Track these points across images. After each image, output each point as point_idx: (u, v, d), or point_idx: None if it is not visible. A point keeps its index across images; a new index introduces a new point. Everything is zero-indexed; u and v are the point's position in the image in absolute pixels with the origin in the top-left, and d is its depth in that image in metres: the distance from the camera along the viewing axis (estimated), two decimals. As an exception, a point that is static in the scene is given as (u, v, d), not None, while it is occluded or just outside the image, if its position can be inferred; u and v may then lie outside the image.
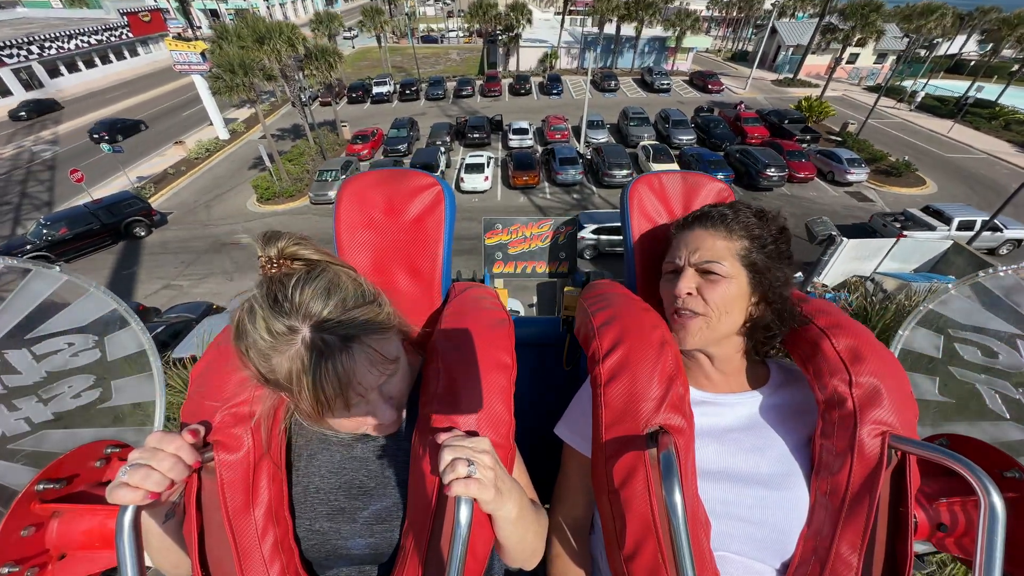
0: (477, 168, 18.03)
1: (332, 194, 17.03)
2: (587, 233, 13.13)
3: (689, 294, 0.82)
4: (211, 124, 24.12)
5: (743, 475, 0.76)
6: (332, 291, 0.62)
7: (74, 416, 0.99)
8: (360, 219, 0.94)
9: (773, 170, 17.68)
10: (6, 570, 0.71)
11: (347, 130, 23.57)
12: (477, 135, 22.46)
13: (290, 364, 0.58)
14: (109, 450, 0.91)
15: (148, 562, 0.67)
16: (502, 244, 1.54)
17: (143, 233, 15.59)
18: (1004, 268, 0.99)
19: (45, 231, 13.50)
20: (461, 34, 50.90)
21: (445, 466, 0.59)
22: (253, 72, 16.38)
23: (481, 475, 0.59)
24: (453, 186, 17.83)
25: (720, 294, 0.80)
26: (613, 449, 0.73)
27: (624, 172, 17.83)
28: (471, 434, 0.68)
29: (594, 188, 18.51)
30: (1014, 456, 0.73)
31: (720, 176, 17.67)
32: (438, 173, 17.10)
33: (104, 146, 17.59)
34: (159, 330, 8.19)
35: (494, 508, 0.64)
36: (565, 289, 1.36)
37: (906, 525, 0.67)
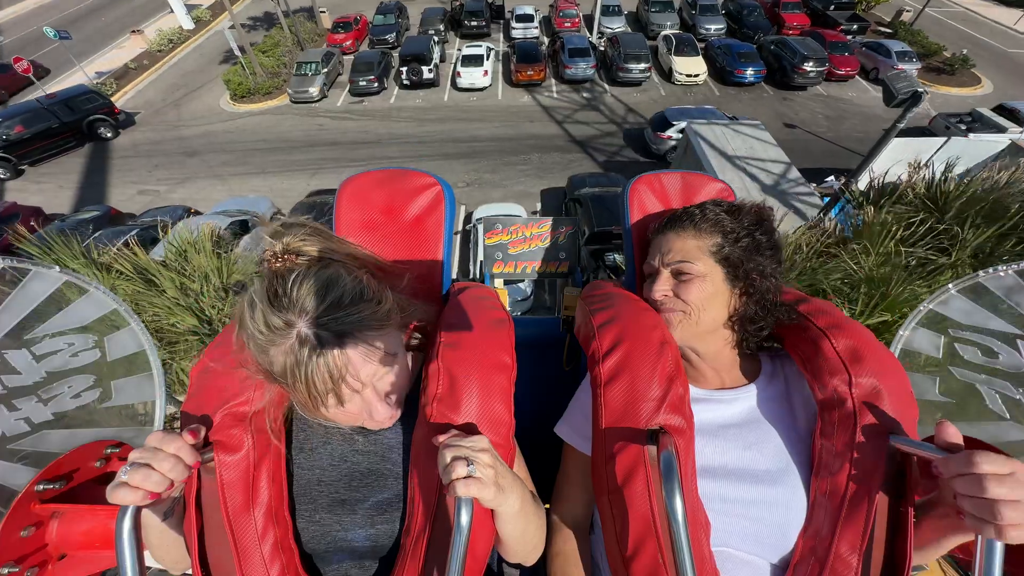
0: (475, 60, 15.84)
1: (313, 91, 15.41)
2: (674, 132, 11.60)
3: (665, 295, 0.84)
4: (171, 12, 20.90)
5: (741, 472, 0.76)
6: (330, 288, 0.63)
7: (74, 416, 1.00)
8: (360, 219, 0.94)
9: (811, 64, 14.99)
10: (6, 570, 0.71)
11: (326, 17, 20.52)
12: (475, 23, 19.32)
13: (284, 358, 0.59)
14: (109, 450, 0.91)
15: (148, 562, 0.67)
16: (502, 244, 1.54)
17: (109, 134, 14.07)
18: (1004, 268, 0.99)
19: (-2, 129, 11.99)
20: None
21: (445, 466, 0.59)
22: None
23: (481, 474, 0.59)
24: (448, 82, 16.51)
25: (695, 293, 0.81)
26: (613, 449, 0.73)
27: (642, 67, 15.64)
28: (470, 431, 0.68)
29: (606, 86, 16.36)
30: (1014, 456, 0.73)
31: (750, 71, 15.44)
32: (431, 65, 15.76)
33: (47, 30, 15.12)
34: (132, 233, 7.93)
35: (496, 504, 0.65)
36: (565, 289, 1.36)
37: (906, 525, 0.67)
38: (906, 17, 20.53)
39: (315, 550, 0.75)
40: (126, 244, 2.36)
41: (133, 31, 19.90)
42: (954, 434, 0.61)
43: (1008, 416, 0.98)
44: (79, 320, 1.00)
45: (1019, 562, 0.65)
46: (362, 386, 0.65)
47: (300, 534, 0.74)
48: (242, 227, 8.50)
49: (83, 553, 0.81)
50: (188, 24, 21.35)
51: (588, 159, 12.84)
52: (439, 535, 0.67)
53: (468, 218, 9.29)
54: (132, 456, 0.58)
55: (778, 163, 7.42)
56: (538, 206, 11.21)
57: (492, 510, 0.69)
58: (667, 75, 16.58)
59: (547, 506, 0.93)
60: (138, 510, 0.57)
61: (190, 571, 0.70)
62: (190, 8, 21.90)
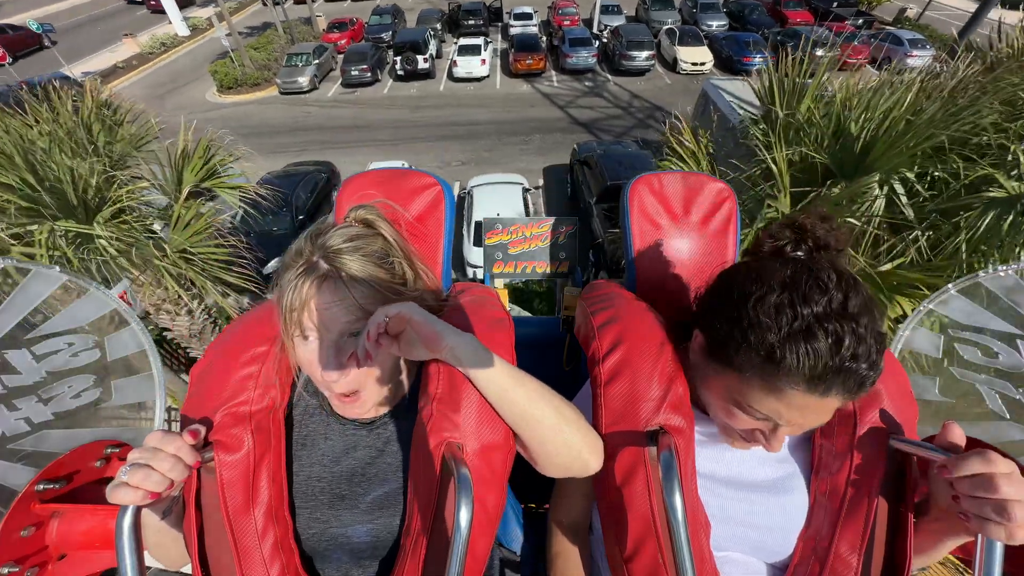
0: (472, 50, 15.51)
1: (303, 80, 14.86)
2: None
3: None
4: (170, 23, 21.31)
5: (743, 481, 0.76)
6: (355, 240, 0.68)
7: (74, 416, 1.00)
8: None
9: (822, 51, 15.05)
10: (6, 570, 0.71)
11: (323, 20, 20.74)
12: (472, 22, 19.26)
13: (288, 275, 0.65)
14: (109, 450, 0.91)
15: (148, 561, 0.67)
16: (502, 244, 1.54)
17: None
18: (1004, 268, 0.99)
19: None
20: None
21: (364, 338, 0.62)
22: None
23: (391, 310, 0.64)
24: (444, 74, 16.02)
25: (798, 433, 0.67)
26: (613, 449, 0.73)
27: (645, 54, 15.38)
28: (467, 432, 0.68)
29: (609, 76, 16.08)
30: (1014, 456, 0.73)
31: (758, 58, 14.91)
32: (427, 55, 15.27)
33: (31, 22, 15.14)
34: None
35: (441, 333, 0.66)
36: (565, 289, 1.36)
37: (906, 525, 0.67)
38: (910, 14, 20.52)
39: (315, 548, 0.75)
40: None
41: (126, 35, 19.97)
42: (959, 435, 0.60)
43: (1008, 416, 0.98)
44: (79, 320, 1.00)
45: (1019, 563, 0.65)
46: (327, 328, 0.66)
47: (300, 532, 0.74)
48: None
49: (83, 553, 0.81)
50: (184, 31, 21.74)
51: (594, 140, 12.41)
52: (439, 535, 0.67)
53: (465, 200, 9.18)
54: (131, 456, 0.58)
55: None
56: (540, 181, 10.90)
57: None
58: (671, 66, 16.39)
59: (547, 507, 0.93)
60: (138, 510, 0.57)
61: (190, 571, 0.70)
62: (188, 19, 22.34)
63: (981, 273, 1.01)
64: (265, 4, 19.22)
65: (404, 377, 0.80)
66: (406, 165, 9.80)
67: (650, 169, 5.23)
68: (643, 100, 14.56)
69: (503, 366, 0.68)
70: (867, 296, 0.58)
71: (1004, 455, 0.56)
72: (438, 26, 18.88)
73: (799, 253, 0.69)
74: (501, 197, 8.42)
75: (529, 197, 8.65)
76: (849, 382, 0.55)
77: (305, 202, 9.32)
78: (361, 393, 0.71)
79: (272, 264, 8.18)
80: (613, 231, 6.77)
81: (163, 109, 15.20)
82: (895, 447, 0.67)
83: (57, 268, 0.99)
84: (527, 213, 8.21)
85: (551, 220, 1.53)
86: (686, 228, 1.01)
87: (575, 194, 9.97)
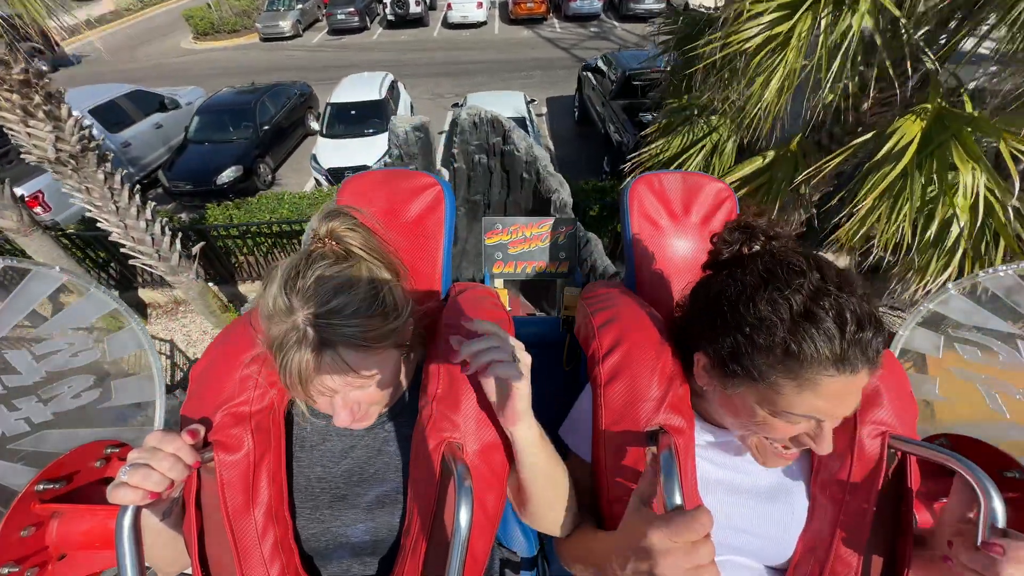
0: None
1: (285, 25, 13.99)
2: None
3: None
4: None
5: (744, 488, 0.75)
6: (340, 291, 0.63)
7: (74, 416, 0.99)
8: (360, 219, 0.94)
9: None
10: (6, 570, 0.71)
11: None
12: None
13: (276, 335, 0.62)
14: (109, 450, 0.91)
15: (148, 561, 0.67)
16: (502, 244, 1.54)
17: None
18: (1004, 268, 0.99)
19: None
20: None
21: (478, 350, 0.62)
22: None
23: (521, 357, 0.63)
24: (439, 23, 15.13)
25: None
26: (613, 449, 0.73)
27: None
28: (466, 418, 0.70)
29: (615, 23, 15.19)
30: (1014, 456, 0.73)
31: None
32: None
33: None
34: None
35: (524, 405, 0.66)
36: (565, 289, 1.36)
37: (906, 525, 0.67)
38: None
39: (315, 548, 0.75)
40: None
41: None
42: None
43: (1008, 416, 0.98)
44: (79, 320, 1.00)
45: None
46: (328, 392, 0.65)
47: (300, 532, 0.74)
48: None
49: (83, 553, 0.81)
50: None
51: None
52: (439, 535, 0.67)
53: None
54: (131, 456, 0.58)
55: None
56: (544, 110, 10.38)
57: (508, 462, 0.72)
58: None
59: None
60: (138, 510, 0.57)
61: (190, 571, 0.70)
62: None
63: (981, 273, 1.01)
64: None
65: (403, 377, 0.80)
66: (389, 77, 9.20)
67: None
68: (654, 43, 14.26)
69: (549, 455, 0.72)
70: (834, 265, 0.61)
71: (1006, 455, 0.56)
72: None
73: (756, 247, 0.69)
74: (503, 101, 7.70)
75: (532, 108, 8.12)
76: (869, 350, 0.55)
77: (272, 115, 8.92)
78: (369, 413, 0.72)
79: (227, 173, 7.68)
80: (641, 118, 6.20)
81: (133, 58, 14.30)
82: (895, 447, 0.67)
83: (57, 268, 0.99)
84: (529, 120, 7.57)
85: (551, 220, 1.53)
86: (686, 228, 1.01)
87: (584, 116, 9.41)
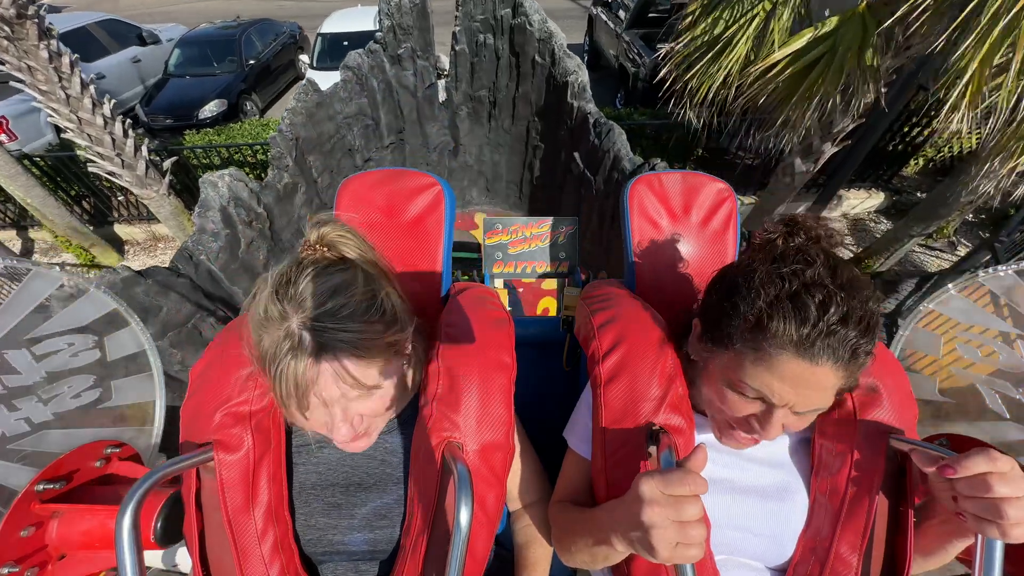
0: None
1: None
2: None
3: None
4: None
5: (745, 486, 0.75)
6: (336, 293, 0.60)
7: (74, 416, 0.99)
8: (359, 220, 0.94)
9: None
10: (6, 570, 0.71)
11: None
12: None
13: (269, 346, 0.58)
14: (109, 450, 0.91)
15: (148, 561, 0.67)
16: (502, 244, 1.54)
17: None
18: (1004, 268, 0.99)
19: None
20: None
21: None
22: None
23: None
24: None
25: (799, 426, 0.64)
26: (613, 449, 0.73)
27: None
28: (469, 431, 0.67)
29: None
30: (1014, 456, 0.73)
31: None
32: None
33: None
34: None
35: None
36: (565, 289, 1.36)
37: (906, 525, 0.67)
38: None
39: (312, 552, 0.75)
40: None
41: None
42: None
43: (1008, 416, 0.98)
44: (79, 320, 1.00)
45: (1019, 562, 0.65)
46: (331, 403, 0.61)
47: (299, 539, 0.74)
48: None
49: (83, 553, 0.81)
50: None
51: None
52: (439, 535, 0.67)
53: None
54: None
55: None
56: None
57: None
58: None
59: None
60: (138, 510, 0.57)
61: (190, 571, 0.70)
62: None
63: (981, 273, 1.01)
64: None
65: (409, 383, 0.76)
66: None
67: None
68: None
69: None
70: (858, 274, 0.58)
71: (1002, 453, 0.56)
72: None
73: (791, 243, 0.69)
74: None
75: None
76: (840, 349, 0.54)
77: (259, 51, 8.39)
78: (370, 430, 0.69)
79: (210, 107, 7.17)
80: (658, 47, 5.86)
81: (115, 7, 13.66)
82: (895, 447, 0.67)
83: (57, 268, 0.98)
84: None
85: (551, 220, 1.53)
86: (686, 228, 1.01)
87: (594, 60, 8.90)
